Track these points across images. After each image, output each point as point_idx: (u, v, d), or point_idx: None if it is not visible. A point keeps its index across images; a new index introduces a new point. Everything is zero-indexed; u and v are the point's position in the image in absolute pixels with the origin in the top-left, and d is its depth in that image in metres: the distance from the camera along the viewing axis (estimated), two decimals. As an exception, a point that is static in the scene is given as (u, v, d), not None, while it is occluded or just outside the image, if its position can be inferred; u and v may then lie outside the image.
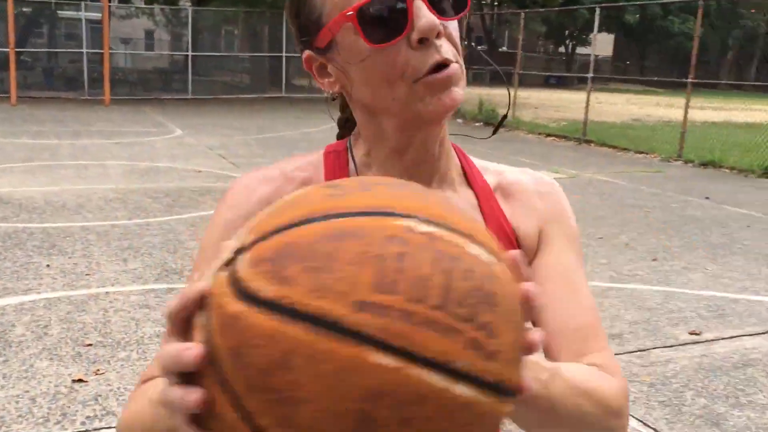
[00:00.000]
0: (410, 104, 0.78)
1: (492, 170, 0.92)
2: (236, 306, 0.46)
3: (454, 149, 0.91)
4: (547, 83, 43.07)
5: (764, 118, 16.34)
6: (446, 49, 0.77)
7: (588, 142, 13.81)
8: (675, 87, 21.77)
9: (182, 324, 0.50)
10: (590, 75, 14.11)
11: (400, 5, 0.74)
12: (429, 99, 0.77)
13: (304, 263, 0.45)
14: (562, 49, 48.66)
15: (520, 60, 17.29)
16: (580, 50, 47.00)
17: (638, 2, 24.02)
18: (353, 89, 0.82)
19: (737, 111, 18.56)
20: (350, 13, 0.76)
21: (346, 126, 0.94)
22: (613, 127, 15.88)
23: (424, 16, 0.74)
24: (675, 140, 12.44)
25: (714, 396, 3.57)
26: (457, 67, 0.78)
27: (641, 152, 12.69)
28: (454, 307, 0.45)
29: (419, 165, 0.85)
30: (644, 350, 4.15)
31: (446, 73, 0.76)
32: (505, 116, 0.97)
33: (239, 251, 0.49)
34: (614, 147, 13.30)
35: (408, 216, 0.48)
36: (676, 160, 11.85)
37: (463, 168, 0.91)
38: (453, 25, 0.78)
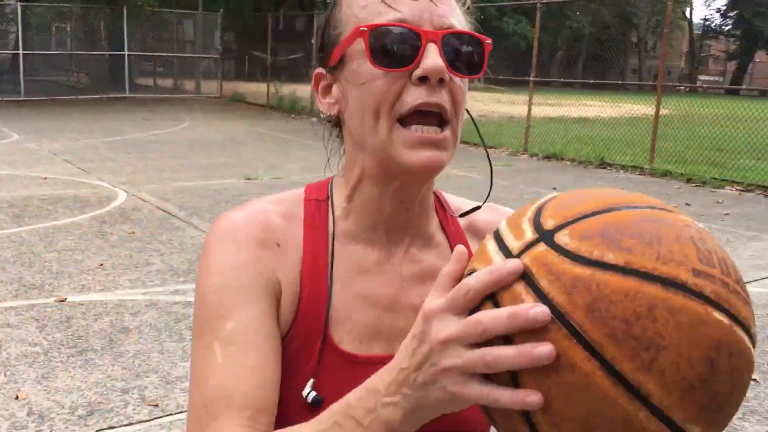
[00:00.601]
0: (387, 146, 0.77)
1: (465, 209, 0.92)
2: (580, 269, 0.54)
3: (434, 195, 0.90)
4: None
5: (595, 113, 17.65)
6: (445, 99, 0.76)
7: (440, 138, 14.31)
8: (514, 84, 22.98)
9: (477, 301, 0.57)
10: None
11: (413, 41, 0.75)
12: (404, 150, 0.76)
13: (637, 238, 0.54)
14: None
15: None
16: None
17: (477, 4, 25.06)
18: (347, 115, 0.81)
19: (570, 107, 19.90)
20: (364, 28, 0.75)
21: None
22: (462, 124, 16.50)
23: (432, 57, 0.74)
24: (521, 135, 13.17)
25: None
26: (446, 133, 0.76)
27: (491, 147, 13.34)
28: (741, 284, 0.57)
29: (398, 217, 0.84)
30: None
31: (431, 135, 0.75)
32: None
33: (545, 234, 0.57)
34: (466, 143, 13.82)
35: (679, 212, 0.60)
36: (522, 154, 12.56)
37: (440, 219, 0.90)
38: (459, 83, 0.77)
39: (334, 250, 0.83)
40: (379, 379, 0.62)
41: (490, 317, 0.54)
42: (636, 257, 0.53)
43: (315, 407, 0.77)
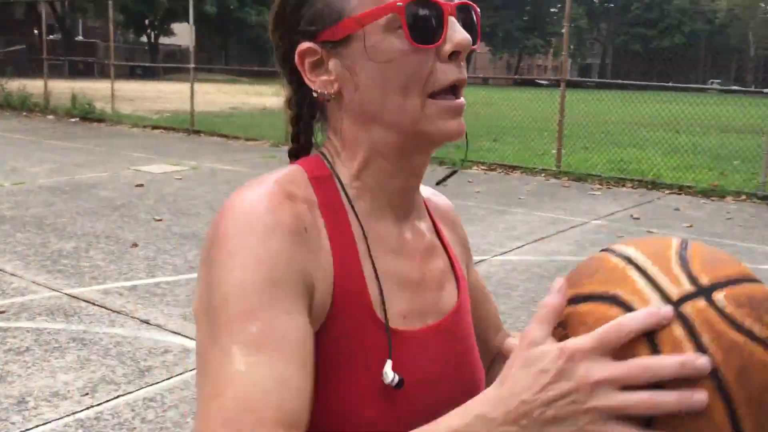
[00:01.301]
0: (418, 121, 0.76)
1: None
2: (736, 336, 0.59)
3: None
4: (133, 74, 41.80)
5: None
6: (465, 73, 0.77)
7: (197, 132, 13.91)
8: (258, 75, 22.91)
9: (625, 340, 0.59)
10: (192, 66, 14.16)
11: (439, 15, 0.74)
12: (440, 122, 0.77)
13: None
14: (144, 39, 47.55)
15: (113, 51, 16.52)
16: (163, 40, 46.46)
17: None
18: (357, 93, 0.78)
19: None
20: (400, 4, 0.73)
21: (298, 156, 0.87)
22: (217, 117, 16.23)
23: (459, 31, 0.75)
24: (280, 126, 13.25)
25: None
26: (464, 100, 0.78)
27: (252, 139, 13.26)
28: None
29: (406, 192, 0.84)
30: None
31: (461, 102, 0.78)
32: (455, 171, 0.96)
33: (704, 290, 0.61)
34: (225, 136, 13.63)
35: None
36: (285, 145, 12.63)
37: None
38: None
39: (354, 230, 0.80)
40: (490, 406, 0.62)
41: (659, 364, 0.57)
42: None
43: (398, 388, 0.74)
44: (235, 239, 0.71)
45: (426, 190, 0.96)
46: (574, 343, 0.59)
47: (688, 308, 0.60)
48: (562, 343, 0.60)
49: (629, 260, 0.65)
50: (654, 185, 9.45)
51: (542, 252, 6.17)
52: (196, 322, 0.73)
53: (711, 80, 57.59)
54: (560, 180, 9.92)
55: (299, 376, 0.68)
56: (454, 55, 0.76)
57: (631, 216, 7.67)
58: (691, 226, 7.25)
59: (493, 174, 10.43)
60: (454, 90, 0.77)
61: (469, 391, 0.81)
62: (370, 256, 0.79)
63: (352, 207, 0.80)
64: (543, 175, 10.27)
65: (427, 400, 0.79)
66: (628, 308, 0.61)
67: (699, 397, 0.57)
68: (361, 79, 0.77)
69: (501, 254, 6.07)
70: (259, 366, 0.66)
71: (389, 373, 0.75)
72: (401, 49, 0.74)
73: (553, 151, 10.64)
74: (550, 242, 6.49)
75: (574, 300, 0.65)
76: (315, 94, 0.80)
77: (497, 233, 6.74)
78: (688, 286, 0.61)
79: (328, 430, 0.73)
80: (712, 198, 8.90)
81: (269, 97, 20.29)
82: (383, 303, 0.78)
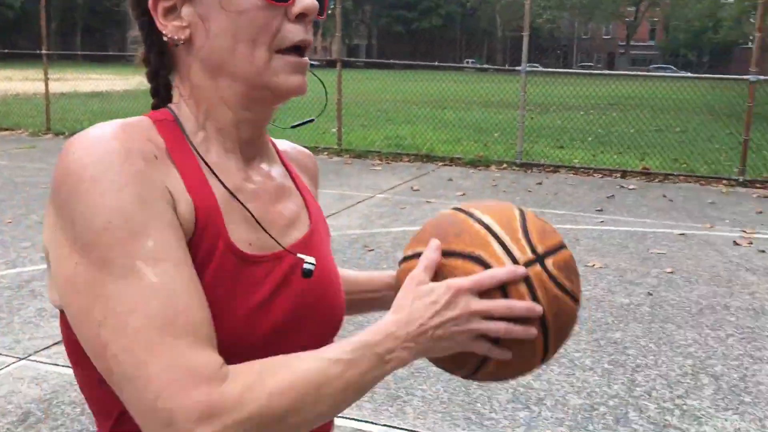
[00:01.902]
0: (264, 73, 0.81)
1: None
2: (557, 291, 0.86)
3: None
4: None
5: (107, 87, 17.21)
6: (311, 36, 0.84)
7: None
8: (3, 58, 20.95)
9: (490, 288, 0.81)
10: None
11: None
12: (283, 76, 0.82)
13: (574, 273, 0.89)
14: None
15: None
16: None
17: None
18: (207, 41, 0.81)
19: (77, 81, 19.03)
20: None
21: (158, 96, 0.88)
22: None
23: None
24: (39, 113, 12.19)
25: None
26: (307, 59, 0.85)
27: (7, 129, 12.05)
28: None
29: (250, 141, 0.88)
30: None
31: (305, 60, 0.84)
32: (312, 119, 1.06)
33: (540, 257, 0.86)
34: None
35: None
36: (46, 134, 11.67)
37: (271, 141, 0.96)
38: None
39: (203, 170, 0.83)
40: (396, 328, 0.79)
41: (518, 306, 0.81)
42: (574, 287, 0.89)
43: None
44: (92, 167, 0.71)
45: (284, 143, 1.03)
46: (458, 282, 0.81)
47: (530, 271, 0.85)
48: (448, 281, 0.82)
49: (488, 228, 0.87)
50: (428, 158, 10.07)
51: (334, 227, 6.36)
52: (57, 264, 0.74)
53: (467, 60, 61.96)
54: (343, 158, 10.21)
55: (199, 282, 0.74)
56: (301, 17, 0.82)
57: (411, 188, 8.14)
58: (463, 194, 7.85)
59: (277, 154, 10.47)
60: (299, 50, 0.84)
61: (324, 311, 0.91)
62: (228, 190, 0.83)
63: (197, 152, 0.82)
64: (326, 153, 10.51)
65: (275, 322, 0.84)
66: (487, 267, 0.84)
67: (533, 330, 0.83)
68: (212, 28, 0.80)
69: (294, 232, 6.17)
70: (170, 274, 0.70)
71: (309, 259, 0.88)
72: (254, 3, 0.79)
73: (334, 130, 10.91)
74: (340, 217, 6.70)
75: (445, 254, 0.86)
76: (165, 39, 0.83)
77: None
78: (530, 254, 0.86)
79: None
80: (479, 167, 9.69)
81: (21, 82, 18.54)
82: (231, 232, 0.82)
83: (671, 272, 5.17)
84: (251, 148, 0.89)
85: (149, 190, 0.73)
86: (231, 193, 0.83)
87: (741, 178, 8.60)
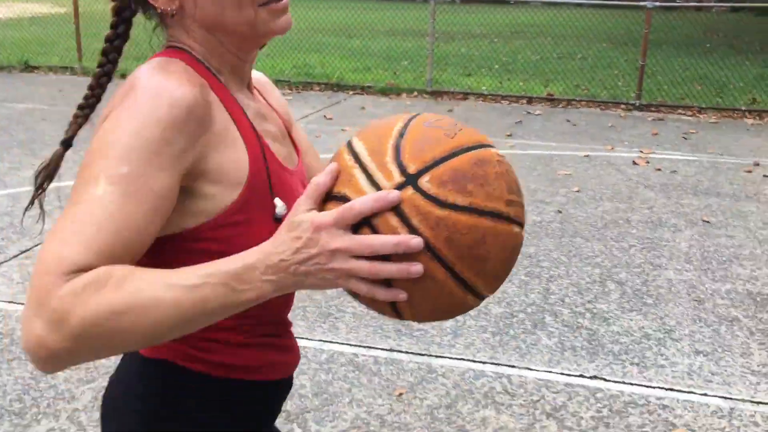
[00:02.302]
0: (254, 26, 0.92)
1: None
2: (441, 212, 0.74)
3: None
4: None
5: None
6: None
7: None
8: None
9: (355, 222, 0.74)
10: None
11: None
12: (272, 23, 0.93)
13: (474, 182, 0.75)
14: None
15: None
16: None
17: None
18: (197, 9, 0.91)
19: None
20: None
21: (114, 44, 0.97)
22: None
23: None
24: None
25: None
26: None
27: None
28: (522, 196, 0.82)
29: (245, 76, 1.00)
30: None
31: (284, 2, 0.94)
32: None
33: (411, 178, 0.74)
34: None
35: (491, 146, 0.80)
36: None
37: None
38: None
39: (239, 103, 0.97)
40: (255, 259, 0.76)
41: (380, 242, 0.73)
42: (475, 199, 0.75)
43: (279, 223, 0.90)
44: (142, 96, 0.83)
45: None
46: (320, 217, 0.75)
47: (401, 196, 0.74)
48: (312, 215, 0.76)
49: (356, 157, 0.78)
50: (339, 87, 10.03)
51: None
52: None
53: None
54: (251, 87, 10.04)
55: (147, 218, 0.80)
56: None
57: (324, 116, 8.14)
58: (377, 122, 7.92)
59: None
60: None
61: None
62: (253, 126, 0.97)
63: (226, 89, 0.95)
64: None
65: None
66: (346, 200, 0.76)
67: (416, 268, 0.73)
68: None
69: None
70: (115, 197, 0.78)
71: (280, 205, 0.94)
72: None
73: (241, 59, 10.65)
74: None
75: (324, 199, 0.79)
76: (159, 11, 0.93)
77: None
78: (398, 178, 0.75)
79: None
80: (390, 96, 9.75)
81: None
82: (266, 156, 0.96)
83: (578, 191, 5.47)
84: (246, 80, 1.01)
85: (174, 138, 0.82)
86: (253, 129, 0.96)
87: (638, 103, 9.04)
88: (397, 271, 0.73)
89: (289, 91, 9.80)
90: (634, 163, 6.32)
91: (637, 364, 3.06)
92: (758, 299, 3.70)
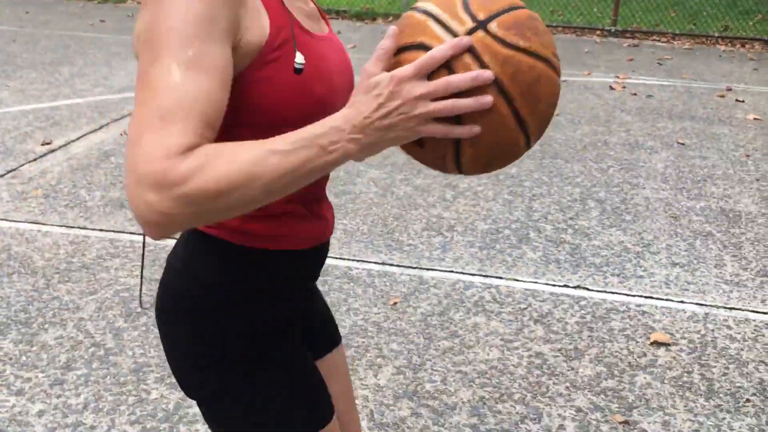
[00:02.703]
0: None
1: None
2: (507, 51, 0.84)
3: None
4: None
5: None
6: None
7: None
8: None
9: (434, 69, 0.83)
10: None
11: None
12: None
13: (531, 31, 0.86)
14: None
15: None
16: None
17: None
18: None
19: None
20: None
21: None
22: None
23: None
24: None
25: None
26: None
27: None
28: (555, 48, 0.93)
29: None
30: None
31: None
32: None
33: (482, 23, 0.84)
34: None
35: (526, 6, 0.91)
36: None
37: None
38: None
39: None
40: (341, 122, 0.84)
41: (459, 79, 0.81)
42: (533, 44, 0.85)
43: (299, 73, 0.96)
44: None
45: None
46: (400, 71, 0.83)
47: (472, 39, 0.84)
48: (391, 72, 0.83)
49: (428, 14, 0.87)
50: (313, 11, 9.87)
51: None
52: (138, 56, 0.88)
53: None
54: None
55: (220, 92, 0.86)
56: None
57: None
58: (354, 47, 7.87)
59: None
60: None
61: (350, 86, 1.08)
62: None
63: None
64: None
65: (333, 83, 1.03)
66: (428, 49, 0.84)
67: (487, 98, 0.82)
68: None
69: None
70: (192, 80, 0.83)
71: (299, 58, 0.97)
72: None
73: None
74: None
75: (396, 52, 0.87)
76: None
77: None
78: (470, 24, 0.84)
79: (272, 115, 0.95)
80: (366, 20, 9.64)
81: None
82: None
83: (557, 114, 5.56)
84: None
85: (220, 10, 0.86)
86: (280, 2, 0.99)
87: (613, 29, 9.07)
88: (473, 102, 0.82)
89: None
90: (611, 88, 6.41)
91: (618, 275, 3.22)
92: (730, 215, 3.88)
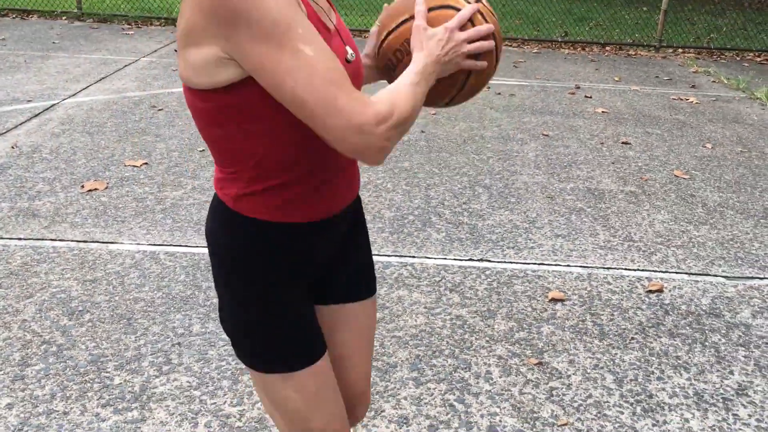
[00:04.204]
0: None
1: None
2: (494, 17, 1.32)
3: None
4: None
5: None
6: None
7: None
8: None
9: (466, 21, 1.26)
10: None
11: None
12: None
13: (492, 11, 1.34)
14: None
15: None
16: None
17: None
18: None
19: None
20: None
21: None
22: None
23: None
24: None
25: (10, 198, 3.93)
26: None
27: None
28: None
29: None
30: None
31: None
32: None
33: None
34: None
35: None
36: None
37: None
38: None
39: None
40: (427, 59, 1.22)
41: (483, 28, 1.27)
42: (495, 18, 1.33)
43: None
44: None
45: None
46: (449, 25, 1.24)
47: (479, 6, 1.30)
48: (444, 25, 1.24)
49: None
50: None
51: (112, 90, 6.25)
52: (245, 53, 1.05)
53: None
54: (86, 22, 9.60)
55: (330, 50, 1.11)
56: None
57: (175, 50, 8.06)
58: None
59: (8, 20, 9.53)
60: None
61: (356, 72, 1.29)
62: None
63: None
64: (65, 18, 9.77)
65: (359, 68, 1.31)
66: (457, 10, 1.26)
67: (492, 43, 1.29)
68: None
69: (71, 97, 5.98)
70: (319, 48, 1.08)
71: (350, 53, 1.27)
72: None
73: (69, -8, 10.10)
74: (113, 81, 6.57)
75: (428, 10, 1.27)
76: None
77: (52, 78, 6.52)
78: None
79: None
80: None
81: None
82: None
83: (434, 114, 6.03)
84: None
85: (293, 1, 1.07)
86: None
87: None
88: (488, 45, 1.28)
89: (129, 26, 9.50)
90: (477, 89, 6.97)
91: (513, 248, 3.67)
92: (596, 193, 4.46)
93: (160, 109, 5.75)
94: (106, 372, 2.55)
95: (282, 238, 1.27)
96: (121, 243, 3.54)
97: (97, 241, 3.56)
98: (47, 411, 2.34)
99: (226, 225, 1.27)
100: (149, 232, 3.67)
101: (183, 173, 4.48)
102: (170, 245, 3.54)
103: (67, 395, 2.42)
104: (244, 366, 1.38)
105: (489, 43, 1.27)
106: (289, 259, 1.28)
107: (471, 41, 1.25)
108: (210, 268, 1.23)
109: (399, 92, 1.15)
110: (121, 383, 2.50)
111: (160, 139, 5.08)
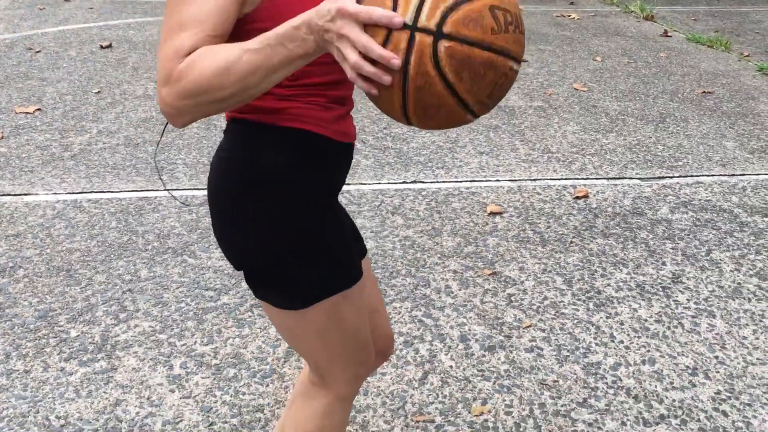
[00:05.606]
0: None
1: None
2: (433, 72, 0.89)
3: None
4: None
5: None
6: None
7: None
8: None
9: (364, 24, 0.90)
10: None
11: None
12: None
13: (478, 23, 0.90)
14: None
15: None
16: None
17: None
18: None
19: None
20: None
21: None
22: None
23: None
24: None
25: None
26: None
27: None
28: (522, 29, 0.96)
29: None
30: None
31: None
32: None
33: (444, 35, 0.87)
34: None
35: None
36: None
37: None
38: None
39: None
40: (299, 22, 0.92)
41: (375, 48, 0.86)
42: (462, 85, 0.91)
43: None
44: None
45: None
46: (344, 3, 0.88)
47: (417, 35, 0.87)
48: (339, 1, 0.89)
49: None
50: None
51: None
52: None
53: None
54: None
55: (228, 9, 1.02)
56: None
57: (36, -11, 7.42)
58: (98, -8, 7.45)
59: None
60: None
61: None
62: None
63: None
64: None
65: None
66: (394, 8, 0.87)
67: (386, 77, 0.89)
68: None
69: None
70: (208, 3, 1.01)
71: None
72: None
73: None
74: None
75: None
76: None
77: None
78: (433, 25, 0.87)
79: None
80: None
81: None
82: None
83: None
84: None
85: None
86: None
87: None
88: (372, 72, 0.89)
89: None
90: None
91: (442, 168, 3.73)
92: (507, 111, 4.58)
93: (37, 51, 5.32)
94: (59, 326, 2.41)
95: (320, 151, 1.21)
96: (36, 194, 3.30)
97: (9, 194, 3.30)
98: (6, 371, 2.19)
99: (252, 145, 1.19)
100: (64, 180, 3.43)
101: (83, 117, 4.19)
102: (91, 192, 3.33)
103: (23, 353, 2.27)
104: (275, 310, 1.27)
105: (372, 70, 0.88)
106: (327, 177, 1.24)
107: (353, 46, 0.89)
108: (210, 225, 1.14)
109: (212, 54, 0.96)
110: (78, 335, 2.37)
111: (47, 82, 4.71)
